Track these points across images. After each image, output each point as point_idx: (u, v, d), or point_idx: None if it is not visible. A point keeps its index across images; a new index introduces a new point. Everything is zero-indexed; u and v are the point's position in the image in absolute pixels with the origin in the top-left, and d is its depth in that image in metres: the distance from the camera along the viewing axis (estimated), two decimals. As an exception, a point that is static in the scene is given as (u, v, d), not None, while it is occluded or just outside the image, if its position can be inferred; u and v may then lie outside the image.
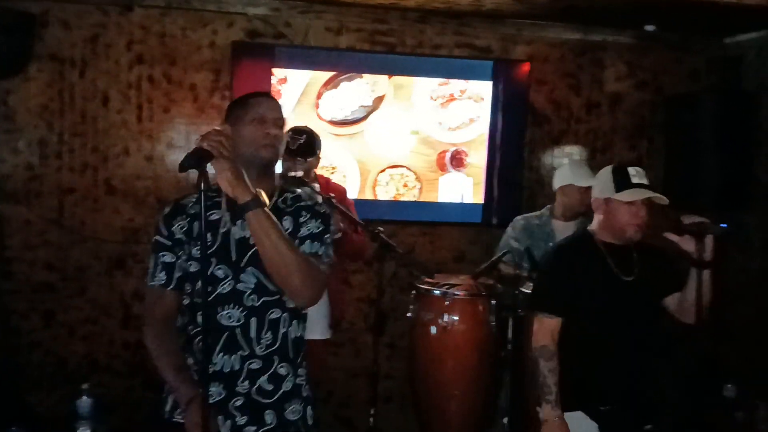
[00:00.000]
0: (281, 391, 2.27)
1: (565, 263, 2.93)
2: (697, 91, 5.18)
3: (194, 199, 2.29)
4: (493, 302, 4.01)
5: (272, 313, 2.24)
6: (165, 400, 2.33)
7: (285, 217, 2.27)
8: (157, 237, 2.29)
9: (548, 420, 2.78)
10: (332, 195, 3.65)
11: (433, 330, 4.01)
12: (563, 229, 4.21)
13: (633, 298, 2.81)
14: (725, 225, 2.68)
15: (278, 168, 3.74)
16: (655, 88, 5.36)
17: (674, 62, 5.36)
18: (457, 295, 4.01)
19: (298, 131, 3.81)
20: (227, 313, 2.21)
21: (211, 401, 2.17)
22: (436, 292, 4.04)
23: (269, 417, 2.25)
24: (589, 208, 4.13)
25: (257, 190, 2.13)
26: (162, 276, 2.27)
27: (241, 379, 2.23)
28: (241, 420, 2.23)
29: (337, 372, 4.87)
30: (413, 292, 4.15)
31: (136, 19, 4.63)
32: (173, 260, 2.27)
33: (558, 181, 4.25)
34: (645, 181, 2.82)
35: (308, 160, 3.73)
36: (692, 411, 2.99)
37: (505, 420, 3.93)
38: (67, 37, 4.56)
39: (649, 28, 5.02)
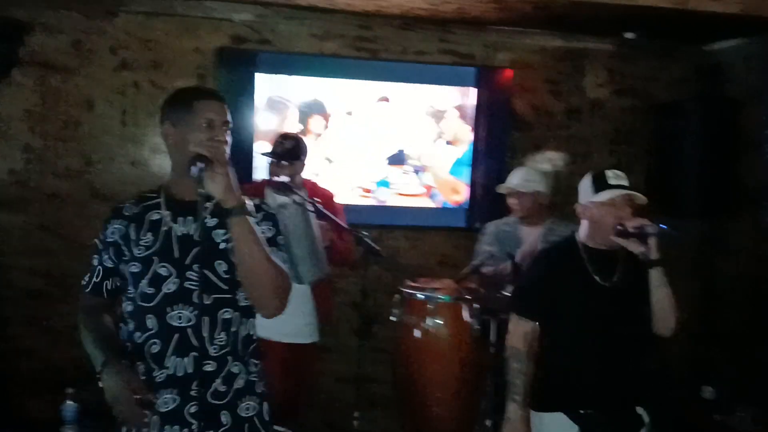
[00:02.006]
0: (234, 389, 2.24)
1: (543, 268, 3.00)
2: (681, 98, 5.24)
3: (131, 203, 2.29)
4: (477, 306, 4.05)
5: (225, 312, 2.20)
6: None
7: None
8: (96, 240, 2.31)
9: (511, 419, 2.92)
10: (318, 200, 3.68)
11: (417, 333, 4.03)
12: (530, 234, 4.28)
13: (611, 303, 2.83)
14: (664, 226, 2.73)
15: (265, 174, 3.84)
16: (636, 95, 5.42)
17: (656, 69, 5.42)
18: (441, 298, 4.03)
19: (285, 136, 3.85)
20: (177, 314, 2.17)
21: (164, 410, 2.16)
22: (420, 296, 4.06)
23: (224, 417, 2.22)
24: (534, 211, 4.25)
25: (245, 198, 2.14)
26: (86, 278, 2.32)
27: (196, 382, 2.17)
28: (196, 426, 2.18)
29: (321, 376, 4.87)
30: (397, 296, 4.18)
31: (121, 24, 4.63)
32: (97, 264, 2.28)
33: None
34: (624, 182, 2.85)
35: (293, 163, 3.75)
36: (671, 414, 3.01)
37: (489, 422, 3.95)
38: (51, 43, 4.56)
39: (629, 35, 5.09)
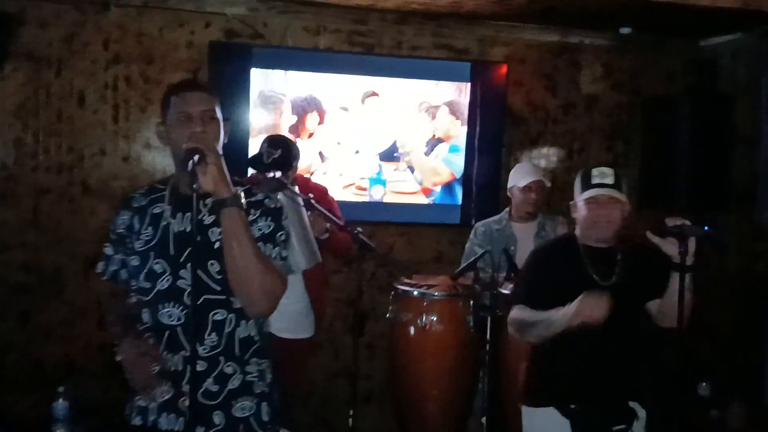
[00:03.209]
0: (227, 389, 2.20)
1: (541, 264, 2.99)
2: (673, 93, 5.24)
3: (141, 193, 2.30)
4: (472, 303, 4.03)
5: (216, 314, 2.16)
6: (130, 401, 2.28)
7: None
8: (110, 228, 2.33)
9: None
10: (311, 195, 3.64)
11: (412, 330, 4.01)
12: (522, 231, 4.28)
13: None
14: (707, 228, 2.64)
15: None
16: (631, 90, 5.41)
17: (650, 64, 5.42)
18: (436, 295, 4.01)
19: (273, 143, 3.72)
20: (167, 311, 2.15)
21: (160, 400, 2.16)
22: (415, 292, 4.04)
23: (217, 418, 2.18)
24: (537, 207, 4.24)
25: (238, 191, 2.09)
26: (101, 265, 2.33)
27: (185, 380, 2.12)
28: (191, 418, 2.13)
29: (316, 373, 4.86)
30: (392, 292, 4.16)
31: (113, 18, 4.59)
32: (111, 253, 2.31)
33: (508, 185, 4.37)
34: (608, 181, 2.82)
35: (286, 173, 3.65)
36: (668, 410, 3.00)
37: (483, 420, 3.94)
38: (43, 36, 4.51)
39: (625, 30, 5.08)
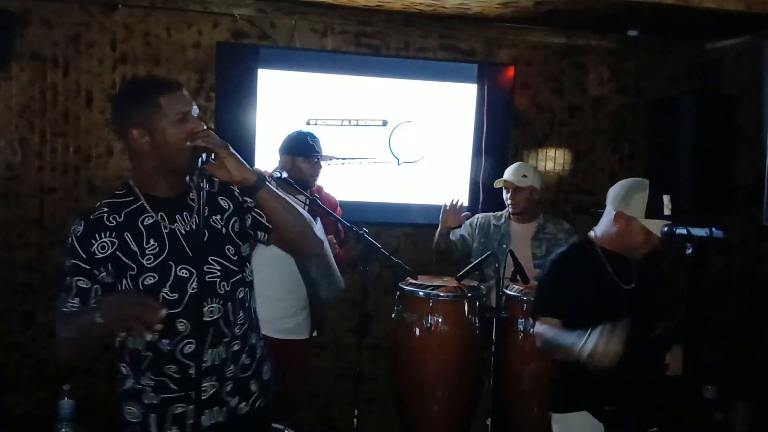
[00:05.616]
0: (257, 358, 2.33)
1: (565, 270, 2.98)
2: (677, 94, 5.25)
3: (106, 211, 2.12)
4: (477, 304, 4.03)
5: (240, 292, 2.25)
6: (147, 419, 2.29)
7: (221, 198, 2.25)
8: (73, 260, 2.09)
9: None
10: (317, 195, 3.66)
11: (417, 331, 4.00)
12: (519, 231, 4.30)
13: (632, 305, 2.85)
14: (719, 232, 2.62)
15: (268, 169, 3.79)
16: (637, 92, 5.42)
17: (655, 66, 5.43)
18: (442, 296, 4.00)
19: (311, 135, 3.82)
20: (209, 309, 2.16)
21: (205, 396, 2.16)
22: (421, 293, 4.02)
23: (254, 386, 2.31)
24: (528, 206, 4.25)
25: (256, 168, 2.22)
26: (76, 302, 2.10)
27: (228, 364, 2.23)
28: (233, 401, 2.26)
29: (320, 373, 4.86)
30: (398, 293, 4.15)
31: (120, 18, 4.58)
32: (88, 286, 2.09)
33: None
34: (669, 213, 2.84)
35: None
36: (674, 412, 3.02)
37: (488, 421, 3.93)
38: (49, 36, 4.50)
39: (632, 33, 5.08)
